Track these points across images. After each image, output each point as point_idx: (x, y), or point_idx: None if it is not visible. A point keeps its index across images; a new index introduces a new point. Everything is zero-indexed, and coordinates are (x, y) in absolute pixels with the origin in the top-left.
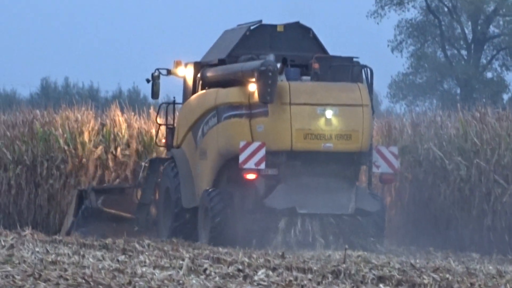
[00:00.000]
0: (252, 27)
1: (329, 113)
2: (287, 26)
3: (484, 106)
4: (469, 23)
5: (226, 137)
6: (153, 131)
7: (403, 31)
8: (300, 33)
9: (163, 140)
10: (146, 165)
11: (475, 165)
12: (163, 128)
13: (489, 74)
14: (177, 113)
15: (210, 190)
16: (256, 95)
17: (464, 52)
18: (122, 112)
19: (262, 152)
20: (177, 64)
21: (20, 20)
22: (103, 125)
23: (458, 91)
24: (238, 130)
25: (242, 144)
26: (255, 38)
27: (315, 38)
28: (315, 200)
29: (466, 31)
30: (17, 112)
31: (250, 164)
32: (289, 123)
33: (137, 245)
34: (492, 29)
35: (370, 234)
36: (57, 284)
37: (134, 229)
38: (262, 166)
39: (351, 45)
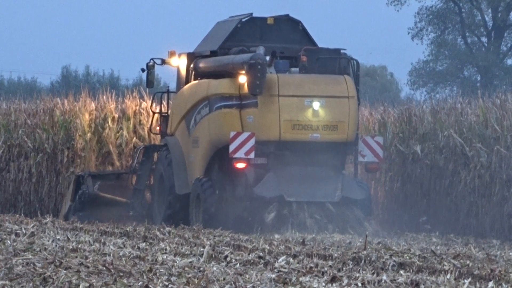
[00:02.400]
0: (243, 20)
1: (316, 104)
2: (277, 19)
3: (505, 93)
4: (489, 10)
5: (217, 127)
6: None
7: (423, 18)
8: (289, 25)
9: (158, 128)
10: (141, 151)
11: (496, 152)
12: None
13: (509, 61)
14: (171, 102)
15: (202, 178)
16: (246, 87)
17: (484, 39)
18: (143, 99)
19: (251, 142)
20: (171, 54)
21: (41, 9)
22: (123, 113)
23: (479, 78)
24: (228, 120)
25: (232, 134)
26: (246, 31)
27: (304, 31)
28: (303, 188)
29: (487, 18)
30: (37, 100)
31: (240, 154)
32: (277, 114)
33: (157, 233)
34: None
35: (357, 220)
36: (78, 271)
37: (129, 213)
38: (252, 155)
39: (372, 33)
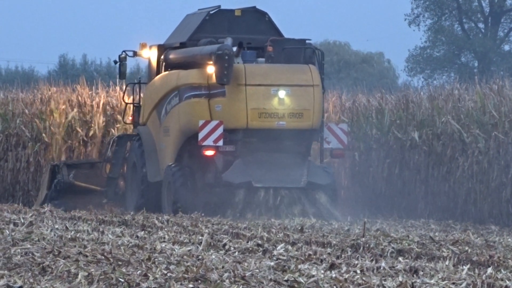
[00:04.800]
0: (211, 12)
1: (282, 93)
2: (244, 11)
3: (502, 79)
4: None
5: (187, 116)
6: None
7: (420, 4)
8: (256, 17)
9: (130, 118)
10: (115, 141)
11: (493, 138)
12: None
13: (506, 47)
14: (142, 92)
15: (172, 165)
16: (214, 77)
17: (481, 25)
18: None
19: (220, 130)
20: (143, 46)
21: None
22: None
23: (476, 64)
24: (198, 109)
25: (201, 122)
26: (214, 22)
27: (270, 22)
28: (270, 174)
29: (483, 4)
30: (35, 89)
31: (209, 141)
32: (244, 103)
33: (156, 221)
34: (509, 2)
35: (323, 205)
36: (77, 260)
37: (103, 201)
38: (220, 143)
39: (369, 20)
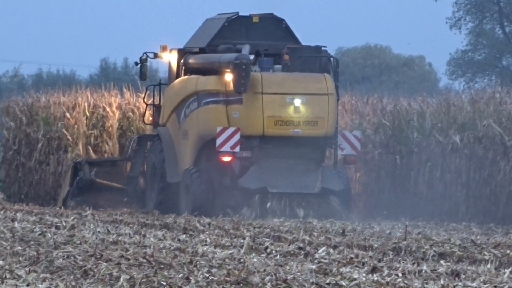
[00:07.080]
0: (229, 18)
1: (297, 101)
2: (261, 17)
3: None
4: None
5: (205, 121)
6: None
7: (461, 8)
8: (273, 23)
9: (150, 118)
10: (135, 140)
11: None
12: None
13: None
14: (163, 94)
15: (191, 168)
16: (231, 84)
17: None
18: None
19: (237, 137)
20: (163, 48)
21: (79, 1)
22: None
23: None
24: (215, 115)
25: (219, 129)
26: (232, 29)
27: (287, 28)
28: (285, 180)
29: None
30: (76, 93)
31: (226, 148)
32: (261, 111)
33: (197, 224)
34: None
35: (337, 210)
36: (119, 264)
37: (123, 199)
38: (237, 149)
39: (410, 23)
